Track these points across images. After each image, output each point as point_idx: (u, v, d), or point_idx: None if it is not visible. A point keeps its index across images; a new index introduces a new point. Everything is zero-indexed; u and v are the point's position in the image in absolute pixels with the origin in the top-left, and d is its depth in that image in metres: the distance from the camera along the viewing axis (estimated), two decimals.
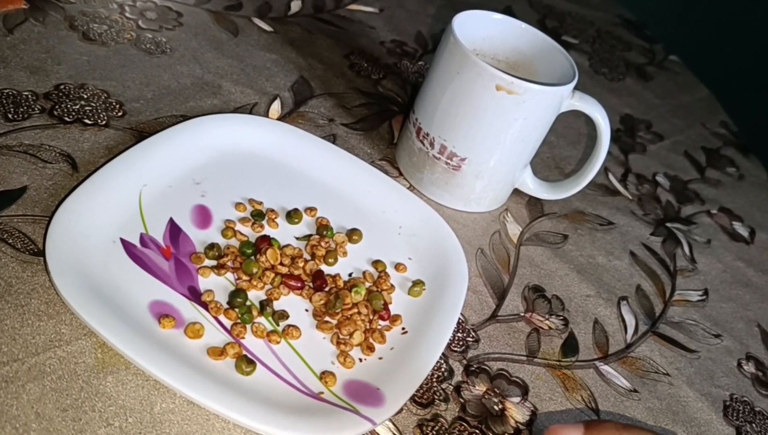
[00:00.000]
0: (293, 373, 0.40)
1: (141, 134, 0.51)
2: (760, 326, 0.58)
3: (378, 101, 0.65)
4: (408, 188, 0.55)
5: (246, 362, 0.39)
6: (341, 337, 0.43)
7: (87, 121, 0.51)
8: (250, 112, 0.57)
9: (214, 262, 0.45)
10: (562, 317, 0.51)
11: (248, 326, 0.42)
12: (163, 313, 0.40)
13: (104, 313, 0.38)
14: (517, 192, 0.59)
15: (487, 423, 0.42)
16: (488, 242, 0.55)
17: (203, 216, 0.47)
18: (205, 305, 0.42)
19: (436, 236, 0.51)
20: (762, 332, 0.58)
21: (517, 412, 0.43)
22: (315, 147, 0.54)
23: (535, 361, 0.47)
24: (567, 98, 0.52)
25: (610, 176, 0.68)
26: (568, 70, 0.53)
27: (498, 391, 0.44)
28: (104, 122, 0.51)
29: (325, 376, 0.41)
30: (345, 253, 0.48)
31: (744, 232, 0.68)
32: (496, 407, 0.43)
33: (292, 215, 0.49)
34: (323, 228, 0.49)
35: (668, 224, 0.65)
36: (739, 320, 0.58)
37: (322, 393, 0.40)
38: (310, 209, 0.51)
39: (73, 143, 0.49)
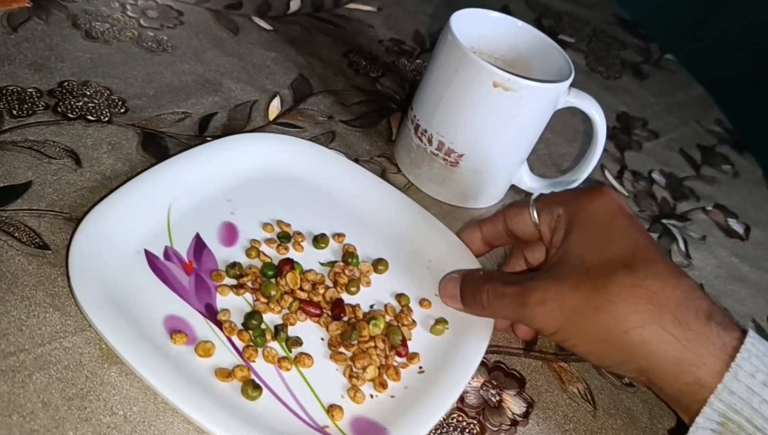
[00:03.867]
0: (300, 402, 0.39)
1: (144, 130, 0.52)
2: (755, 321, 0.59)
3: (376, 99, 0.65)
4: (406, 184, 0.56)
5: (252, 387, 0.38)
6: (354, 370, 0.41)
7: (90, 117, 0.51)
8: (250, 109, 0.58)
9: (234, 281, 0.44)
10: None
11: (260, 350, 0.41)
12: (177, 329, 0.40)
13: (117, 322, 0.37)
14: (514, 188, 0.60)
15: (484, 414, 0.43)
16: None
17: (230, 234, 0.47)
18: (219, 324, 0.41)
19: None
20: (757, 327, 0.58)
21: (514, 404, 0.44)
22: (348, 171, 0.53)
23: (531, 354, 0.48)
24: (563, 95, 0.53)
25: (606, 173, 0.69)
26: (565, 68, 0.54)
27: (495, 383, 0.45)
28: (107, 118, 0.52)
29: (332, 409, 0.39)
30: (369, 283, 0.47)
31: (739, 228, 0.69)
32: (493, 399, 0.44)
33: (319, 240, 0.48)
34: (349, 255, 0.48)
35: (664, 220, 0.66)
36: (734, 315, 0.58)
37: (327, 427, 0.38)
38: (338, 235, 0.49)
39: (77, 139, 0.49)
